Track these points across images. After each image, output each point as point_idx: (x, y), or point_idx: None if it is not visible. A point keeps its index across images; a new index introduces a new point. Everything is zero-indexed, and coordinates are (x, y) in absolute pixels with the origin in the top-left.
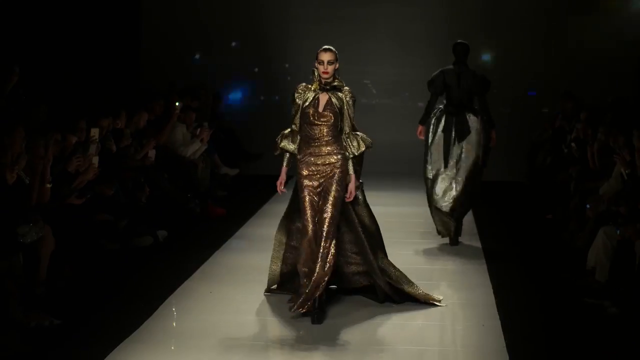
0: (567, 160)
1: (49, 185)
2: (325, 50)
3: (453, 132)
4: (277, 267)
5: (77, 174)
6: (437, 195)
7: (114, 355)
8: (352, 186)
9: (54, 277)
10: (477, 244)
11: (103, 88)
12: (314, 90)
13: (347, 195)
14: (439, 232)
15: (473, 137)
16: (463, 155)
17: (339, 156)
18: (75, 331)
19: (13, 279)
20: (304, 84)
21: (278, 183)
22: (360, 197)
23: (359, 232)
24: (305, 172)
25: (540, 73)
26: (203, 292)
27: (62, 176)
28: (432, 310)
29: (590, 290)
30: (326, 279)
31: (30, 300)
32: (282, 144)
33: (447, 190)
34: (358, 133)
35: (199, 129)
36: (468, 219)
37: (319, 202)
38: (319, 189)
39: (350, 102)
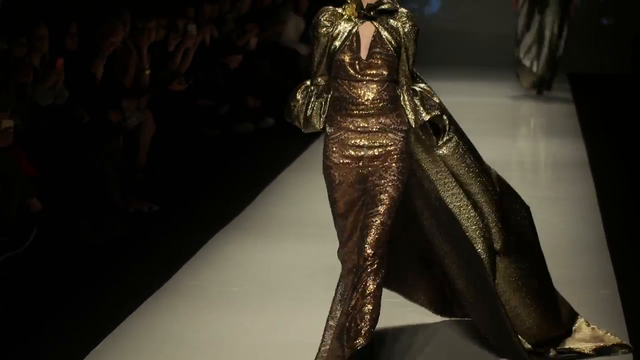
0: None
1: (147, 72)
2: None
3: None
4: None
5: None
6: (522, 53)
7: (214, 241)
8: None
9: (153, 163)
10: (579, 137)
11: None
12: (349, 19)
13: None
14: (522, 86)
15: (553, 7)
16: (544, 23)
17: (400, 135)
18: (174, 217)
19: (113, 164)
20: (330, 8)
21: None
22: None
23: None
24: (338, 159)
25: None
26: (303, 180)
27: (163, 61)
28: (532, 202)
29: None
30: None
31: (130, 185)
32: (312, 122)
33: (531, 49)
34: (419, 86)
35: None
36: (570, 112)
37: (362, 206)
38: (362, 187)
39: (412, 36)
